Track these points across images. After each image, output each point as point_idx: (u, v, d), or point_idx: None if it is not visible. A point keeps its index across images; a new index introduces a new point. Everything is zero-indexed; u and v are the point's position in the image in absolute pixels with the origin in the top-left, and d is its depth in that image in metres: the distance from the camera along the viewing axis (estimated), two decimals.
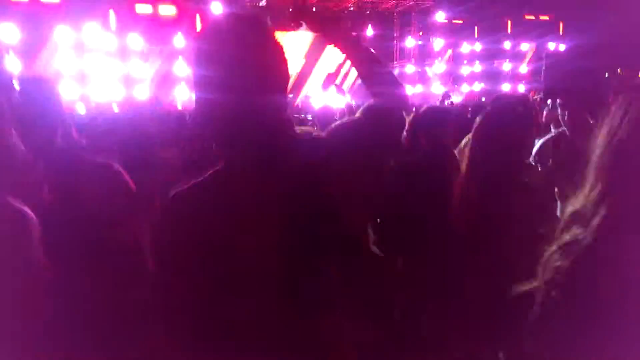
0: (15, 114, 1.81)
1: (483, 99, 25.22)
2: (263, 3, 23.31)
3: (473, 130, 2.59)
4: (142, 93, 20.11)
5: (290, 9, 21.37)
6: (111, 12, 20.41)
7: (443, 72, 25.33)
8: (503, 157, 2.37)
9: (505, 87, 25.65)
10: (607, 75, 26.55)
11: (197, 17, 21.54)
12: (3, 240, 1.38)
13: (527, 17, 25.72)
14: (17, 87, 2.04)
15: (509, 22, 25.78)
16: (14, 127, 1.71)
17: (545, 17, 26.09)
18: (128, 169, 3.56)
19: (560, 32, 26.17)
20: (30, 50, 18.56)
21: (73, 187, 1.93)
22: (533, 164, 3.42)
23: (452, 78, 25.79)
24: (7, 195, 1.43)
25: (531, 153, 3.30)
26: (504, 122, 2.47)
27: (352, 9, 24.62)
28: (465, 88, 25.61)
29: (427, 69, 25.59)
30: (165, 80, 21.52)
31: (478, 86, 25.91)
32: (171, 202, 1.25)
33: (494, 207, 2.24)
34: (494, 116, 2.54)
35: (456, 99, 24.74)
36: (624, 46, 23.63)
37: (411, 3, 24.77)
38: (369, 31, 24.42)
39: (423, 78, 25.18)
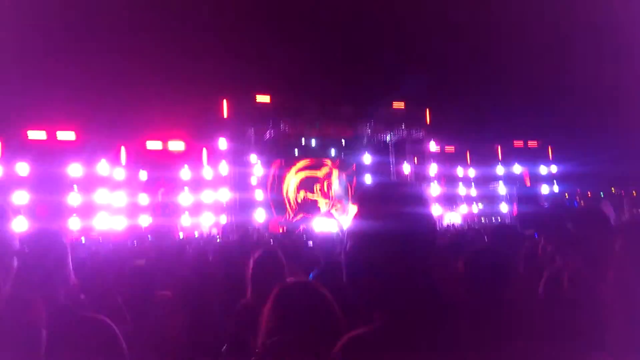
0: (22, 274, 1.98)
1: (483, 219, 25.97)
2: (267, 137, 24.79)
3: None
4: (146, 222, 20.65)
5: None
6: (122, 149, 21.69)
7: (440, 195, 26.03)
8: None
9: (504, 208, 26.39)
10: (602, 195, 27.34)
11: (204, 151, 22.91)
12: None
13: (516, 143, 27.13)
14: (24, 247, 2.19)
15: (499, 148, 27.13)
16: (21, 285, 1.88)
17: (534, 143, 27.50)
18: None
19: (550, 157, 27.41)
20: (44, 186, 19.42)
21: (70, 337, 2.03)
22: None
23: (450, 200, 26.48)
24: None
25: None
26: None
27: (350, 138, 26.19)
28: (463, 209, 26.21)
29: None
30: (169, 209, 22.11)
31: (475, 208, 26.59)
32: None
33: None
34: None
35: (454, 218, 25.38)
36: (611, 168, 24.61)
37: (404, 134, 26.34)
38: (367, 158, 25.73)
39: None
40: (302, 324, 1.98)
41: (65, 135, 21.17)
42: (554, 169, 27.12)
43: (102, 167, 20.67)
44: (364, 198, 1.47)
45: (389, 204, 1.41)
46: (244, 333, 2.88)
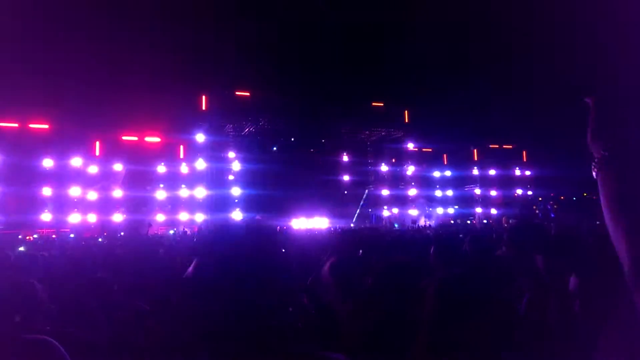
0: None
1: (458, 221, 26.37)
2: (249, 131, 24.66)
3: None
4: (118, 217, 20.46)
5: None
6: (97, 143, 21.39)
7: (416, 196, 26.32)
8: None
9: (478, 210, 26.84)
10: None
11: (181, 147, 22.73)
12: None
13: (492, 146, 27.53)
14: None
15: (475, 151, 27.52)
16: None
17: (509, 146, 27.94)
18: None
19: (524, 160, 27.91)
20: (15, 179, 19.05)
21: None
22: None
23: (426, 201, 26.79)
24: None
25: None
26: None
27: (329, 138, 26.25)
28: (440, 210, 26.57)
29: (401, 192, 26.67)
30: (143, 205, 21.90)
31: (452, 209, 26.98)
32: None
33: None
34: None
35: (428, 219, 25.72)
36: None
37: (383, 133, 26.50)
38: (345, 158, 25.87)
39: (398, 201, 26.11)
40: None
41: (39, 126, 20.76)
42: (527, 172, 27.62)
43: (76, 160, 20.35)
44: None
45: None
46: None
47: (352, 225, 23.58)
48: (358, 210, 26.11)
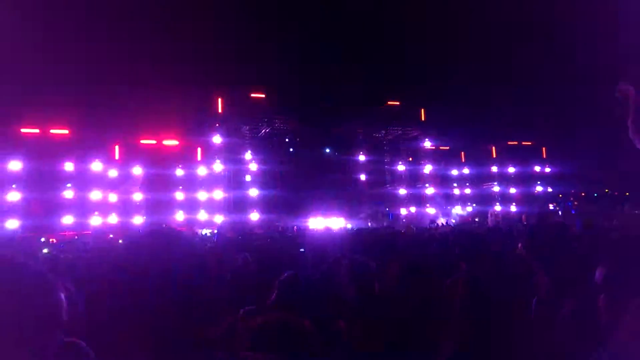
0: None
1: (477, 219, 25.96)
2: (265, 132, 24.75)
3: None
4: (139, 219, 20.73)
5: None
6: (116, 147, 21.68)
7: (434, 194, 26.10)
8: None
9: (497, 208, 26.48)
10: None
11: (199, 150, 22.92)
12: None
13: (510, 143, 27.19)
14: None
15: (493, 148, 27.19)
16: None
17: (528, 143, 27.56)
18: None
19: (544, 156, 27.50)
20: (37, 183, 19.42)
21: None
22: None
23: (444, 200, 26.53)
24: None
25: None
26: None
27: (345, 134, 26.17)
28: (457, 209, 26.32)
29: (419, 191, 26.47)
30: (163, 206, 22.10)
31: (470, 207, 26.69)
32: None
33: None
34: None
35: (446, 219, 25.33)
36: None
37: (399, 132, 26.35)
38: (362, 157, 25.79)
39: (415, 200, 25.94)
40: None
41: (59, 131, 21.13)
42: (547, 169, 27.20)
43: (96, 164, 20.69)
44: None
45: None
46: None
47: (367, 224, 23.42)
48: (369, 210, 25.65)
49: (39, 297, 1.49)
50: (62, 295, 1.41)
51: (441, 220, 24.05)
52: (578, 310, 2.19)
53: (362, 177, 25.78)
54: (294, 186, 23.47)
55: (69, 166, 20.21)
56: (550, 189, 27.08)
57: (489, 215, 25.01)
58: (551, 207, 25.84)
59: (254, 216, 22.29)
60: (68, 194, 20.11)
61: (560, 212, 24.46)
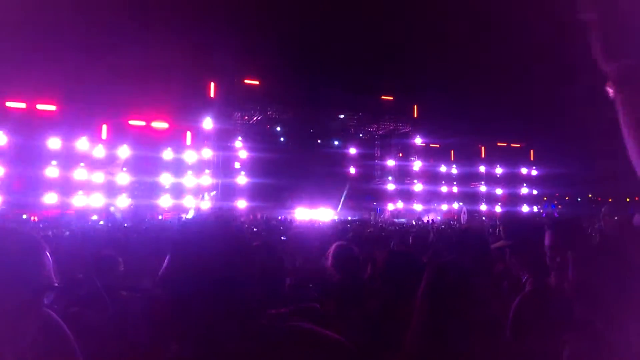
0: None
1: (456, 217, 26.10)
2: (256, 120, 24.50)
3: None
4: (124, 201, 20.41)
5: None
6: (104, 126, 21.25)
7: (421, 191, 26.21)
8: None
9: (482, 207, 26.72)
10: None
11: (188, 134, 22.60)
12: None
13: (499, 144, 27.41)
14: None
15: (483, 148, 27.39)
16: None
17: (517, 145, 27.82)
18: None
19: (532, 159, 27.80)
20: (21, 159, 18.94)
21: None
22: None
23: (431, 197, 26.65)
24: None
25: None
26: None
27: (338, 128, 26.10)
28: (444, 207, 26.47)
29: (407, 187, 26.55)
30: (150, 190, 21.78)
31: (456, 205, 26.86)
32: None
33: None
34: None
35: (432, 216, 25.47)
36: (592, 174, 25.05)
37: (391, 127, 26.37)
38: (352, 150, 25.75)
39: (403, 195, 26.01)
40: None
41: (46, 107, 20.63)
42: (534, 172, 27.51)
43: (82, 142, 20.24)
44: None
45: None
46: None
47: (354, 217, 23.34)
48: (341, 203, 25.22)
49: (29, 258, 1.42)
50: (49, 259, 1.35)
51: (428, 218, 24.21)
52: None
53: (352, 170, 25.75)
54: (283, 175, 23.31)
55: (54, 143, 19.70)
56: (535, 192, 27.42)
57: (462, 213, 25.27)
58: (535, 209, 26.15)
59: (241, 204, 22.11)
60: (52, 171, 19.63)
61: (543, 214, 24.79)
